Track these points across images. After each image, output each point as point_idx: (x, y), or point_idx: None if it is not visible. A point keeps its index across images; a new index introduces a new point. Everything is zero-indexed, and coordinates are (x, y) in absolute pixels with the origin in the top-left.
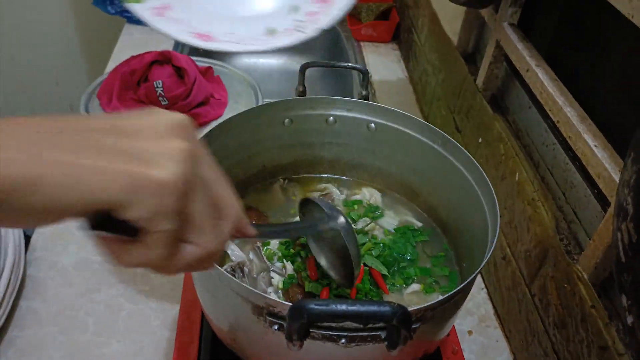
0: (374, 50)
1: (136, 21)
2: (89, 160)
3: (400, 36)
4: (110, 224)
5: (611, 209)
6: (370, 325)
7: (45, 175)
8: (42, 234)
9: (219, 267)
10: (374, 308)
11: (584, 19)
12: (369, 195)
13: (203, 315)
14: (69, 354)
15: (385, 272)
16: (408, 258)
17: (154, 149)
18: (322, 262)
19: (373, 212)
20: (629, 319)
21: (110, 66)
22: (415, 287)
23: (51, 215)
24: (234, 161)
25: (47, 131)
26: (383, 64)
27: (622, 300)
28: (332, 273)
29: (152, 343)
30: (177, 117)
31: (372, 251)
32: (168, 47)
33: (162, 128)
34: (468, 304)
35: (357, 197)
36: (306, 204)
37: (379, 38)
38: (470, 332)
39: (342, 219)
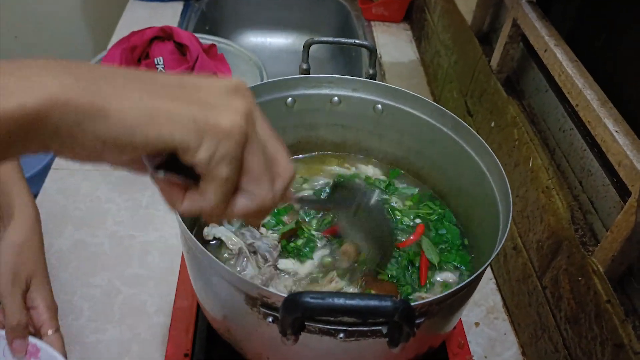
0: (385, 30)
1: None
2: (161, 102)
3: (412, 15)
4: (173, 168)
5: (632, 200)
6: (370, 320)
7: (116, 108)
8: None
9: (211, 255)
10: (374, 303)
11: None
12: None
13: (199, 305)
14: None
15: (436, 262)
16: (458, 243)
17: (219, 102)
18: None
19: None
20: None
21: (113, 43)
22: (449, 276)
23: (122, 149)
24: None
25: (121, 73)
26: (394, 44)
27: None
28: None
29: (148, 329)
30: (236, 80)
31: (429, 234)
32: (172, 24)
33: (225, 88)
34: (476, 295)
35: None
36: (337, 187)
37: (390, 17)
38: (477, 324)
39: (376, 197)
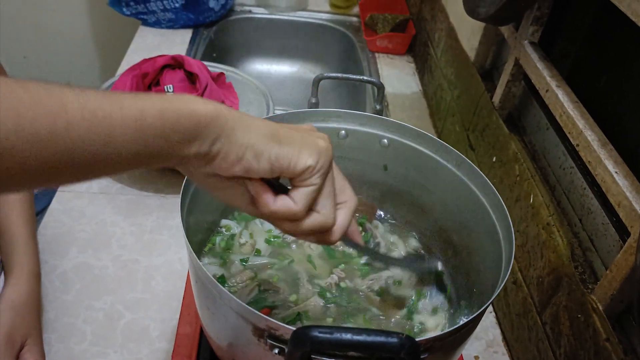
0: (389, 62)
1: (151, 24)
2: (280, 145)
3: (416, 49)
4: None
5: (631, 240)
6: (376, 355)
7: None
8: (44, 236)
9: (220, 285)
10: (380, 339)
11: (610, 40)
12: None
13: (202, 331)
14: None
15: None
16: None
17: (312, 135)
18: None
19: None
20: None
21: (123, 68)
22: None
23: (252, 172)
24: None
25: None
26: (397, 76)
27: None
28: None
29: (150, 354)
30: (323, 138)
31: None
32: (181, 51)
33: (309, 128)
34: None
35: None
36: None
37: (394, 50)
38: (476, 358)
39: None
